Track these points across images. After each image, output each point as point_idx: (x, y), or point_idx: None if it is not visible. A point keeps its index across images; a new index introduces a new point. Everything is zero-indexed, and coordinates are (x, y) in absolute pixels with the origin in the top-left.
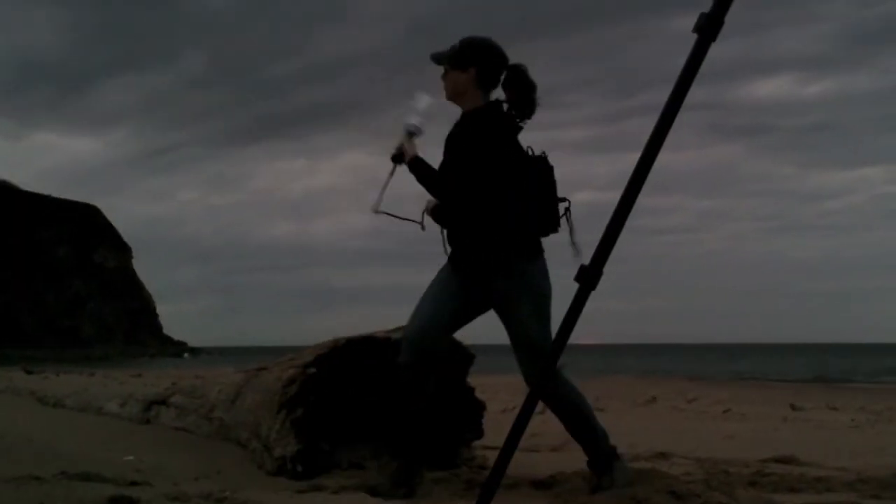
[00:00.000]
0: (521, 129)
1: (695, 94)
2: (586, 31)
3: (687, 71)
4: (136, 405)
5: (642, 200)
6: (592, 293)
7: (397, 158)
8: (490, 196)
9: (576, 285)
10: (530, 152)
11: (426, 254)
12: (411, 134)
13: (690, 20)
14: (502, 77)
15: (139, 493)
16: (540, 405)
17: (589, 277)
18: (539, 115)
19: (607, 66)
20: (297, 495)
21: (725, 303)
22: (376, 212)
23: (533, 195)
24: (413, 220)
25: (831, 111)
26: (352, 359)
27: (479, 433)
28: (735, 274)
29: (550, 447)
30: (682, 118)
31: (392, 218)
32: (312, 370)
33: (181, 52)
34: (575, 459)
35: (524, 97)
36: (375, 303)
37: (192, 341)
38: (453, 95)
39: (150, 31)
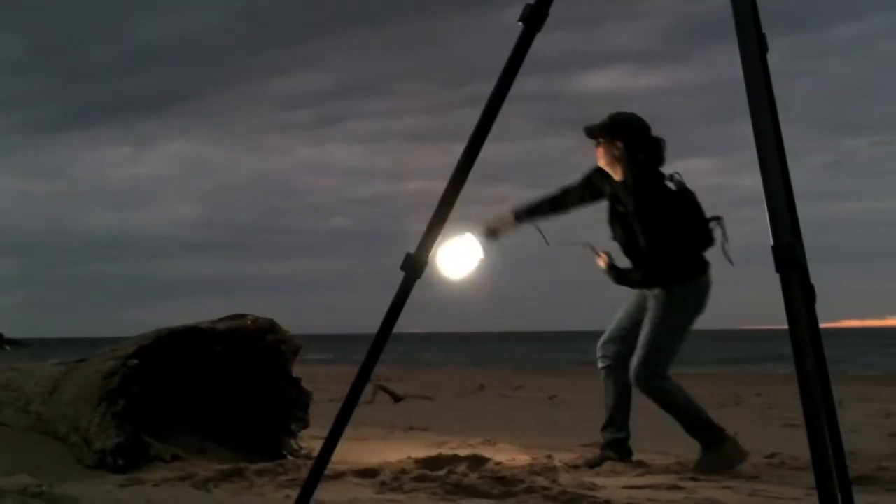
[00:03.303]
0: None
1: (529, 85)
2: (418, 20)
3: (511, 61)
4: None
5: (476, 190)
6: (419, 282)
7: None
8: (655, 240)
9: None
10: (672, 186)
11: (253, 245)
12: (491, 232)
13: (519, 11)
14: (644, 145)
15: None
16: (367, 394)
17: (414, 266)
18: (372, 104)
19: (440, 56)
20: (117, 489)
21: (554, 292)
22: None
23: (679, 228)
24: (589, 244)
25: (660, 103)
26: (175, 350)
27: (305, 423)
28: (563, 264)
29: (378, 436)
30: (516, 109)
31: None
32: (134, 362)
33: None
34: (401, 447)
35: (653, 164)
36: (203, 293)
37: (11, 333)
38: (606, 164)
39: None
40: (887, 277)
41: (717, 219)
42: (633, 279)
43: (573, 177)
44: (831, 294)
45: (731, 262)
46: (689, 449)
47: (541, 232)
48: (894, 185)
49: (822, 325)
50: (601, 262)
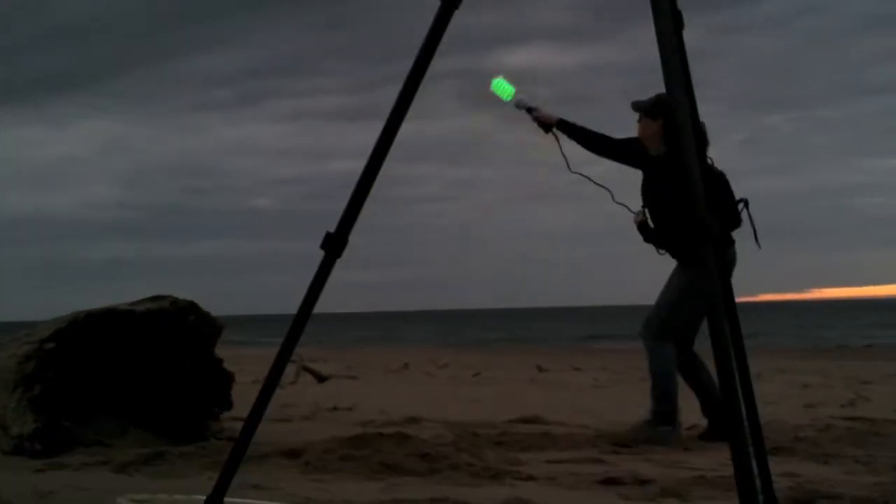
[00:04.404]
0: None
1: (450, 62)
2: None
3: (429, 38)
4: None
5: (397, 169)
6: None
7: (545, 128)
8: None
9: None
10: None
11: (174, 226)
12: (529, 109)
13: None
14: None
15: None
16: (290, 375)
17: (334, 245)
18: (294, 82)
19: (364, 33)
20: (35, 474)
21: (479, 270)
22: (573, 171)
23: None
24: (607, 188)
25: (582, 81)
26: (93, 333)
27: (228, 405)
28: (488, 242)
29: (302, 416)
30: (438, 86)
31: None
32: (51, 345)
33: None
34: (326, 428)
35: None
36: (123, 276)
37: None
38: (643, 139)
39: None
40: (805, 252)
41: (744, 202)
42: (660, 238)
43: (497, 154)
44: (750, 268)
45: (758, 245)
46: (609, 422)
47: (564, 156)
48: (810, 161)
49: (741, 299)
50: (636, 219)
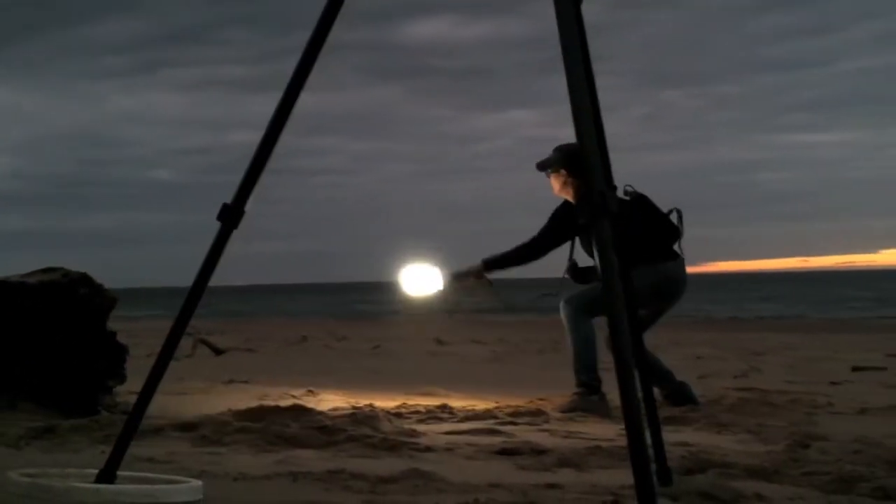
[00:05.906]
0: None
1: (353, 34)
2: None
3: (327, 10)
4: None
5: (298, 142)
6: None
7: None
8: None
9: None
10: (625, 196)
11: (69, 198)
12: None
13: None
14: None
15: None
16: (186, 348)
17: (231, 216)
18: (195, 51)
19: (266, 2)
20: None
21: (381, 244)
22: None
23: (636, 227)
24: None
25: (486, 55)
26: None
27: (122, 378)
28: (391, 216)
29: (198, 389)
30: (340, 58)
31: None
32: None
33: None
34: (222, 401)
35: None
36: (15, 248)
37: None
38: (558, 191)
39: None
40: (700, 227)
41: (677, 211)
42: (593, 274)
43: (401, 128)
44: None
45: (681, 251)
46: (507, 393)
47: (497, 293)
48: (709, 136)
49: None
50: (565, 273)
